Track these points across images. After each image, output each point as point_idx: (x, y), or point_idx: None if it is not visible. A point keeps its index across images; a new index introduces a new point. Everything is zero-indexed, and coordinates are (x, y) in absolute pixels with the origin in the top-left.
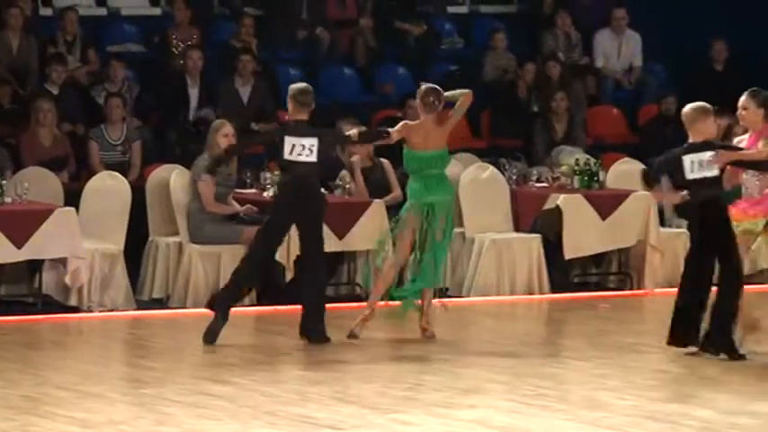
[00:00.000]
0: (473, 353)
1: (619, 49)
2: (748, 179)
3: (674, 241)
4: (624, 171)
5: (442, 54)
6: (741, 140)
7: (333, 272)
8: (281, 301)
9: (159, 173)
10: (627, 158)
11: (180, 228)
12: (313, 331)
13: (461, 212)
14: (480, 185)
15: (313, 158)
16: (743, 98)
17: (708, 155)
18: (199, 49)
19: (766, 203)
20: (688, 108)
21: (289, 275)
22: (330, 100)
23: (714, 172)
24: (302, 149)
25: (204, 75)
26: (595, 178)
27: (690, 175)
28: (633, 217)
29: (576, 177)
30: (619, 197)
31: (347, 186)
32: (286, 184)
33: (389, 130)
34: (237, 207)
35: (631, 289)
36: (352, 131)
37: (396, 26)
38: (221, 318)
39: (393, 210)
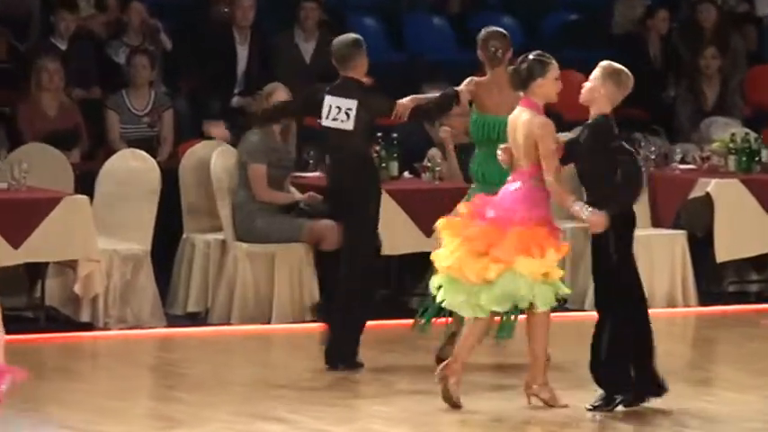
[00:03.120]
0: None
1: None
2: None
3: None
4: None
5: None
6: None
7: (420, 278)
8: None
9: (197, 151)
10: None
11: (223, 222)
12: (341, 357)
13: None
14: None
15: (349, 125)
16: None
17: None
18: None
19: None
20: None
21: None
22: (415, 57)
23: None
24: (338, 112)
25: (256, 26)
26: (757, 158)
27: None
28: None
29: (732, 157)
30: None
31: (437, 169)
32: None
33: (459, 89)
34: (297, 195)
35: None
36: (405, 100)
37: None
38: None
39: None
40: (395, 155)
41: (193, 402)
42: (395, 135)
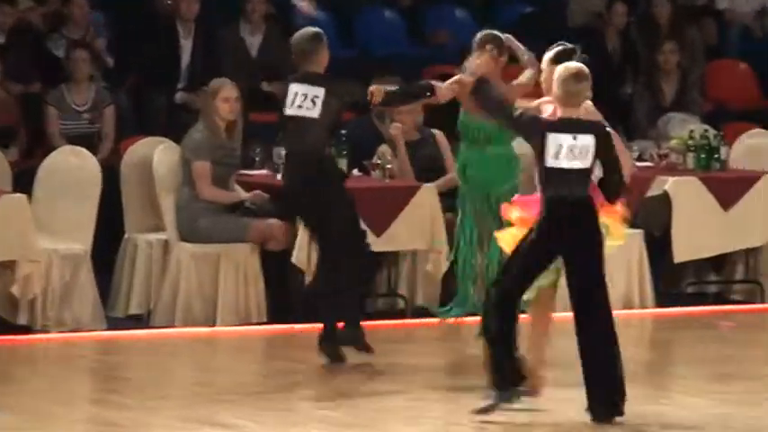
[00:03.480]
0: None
1: None
2: None
3: None
4: (754, 146)
5: None
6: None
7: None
8: (297, 318)
9: (138, 149)
10: (758, 130)
11: (166, 221)
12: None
13: None
14: None
15: (315, 113)
16: None
17: None
18: None
19: None
20: None
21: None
22: (366, 52)
23: None
24: (304, 99)
25: (201, 19)
26: (716, 156)
27: None
28: (766, 207)
29: (691, 155)
30: (746, 181)
31: (388, 166)
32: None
33: (436, 84)
34: (243, 193)
35: (763, 302)
36: (375, 87)
37: None
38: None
39: (448, 197)
40: (344, 152)
41: (135, 407)
42: (344, 132)
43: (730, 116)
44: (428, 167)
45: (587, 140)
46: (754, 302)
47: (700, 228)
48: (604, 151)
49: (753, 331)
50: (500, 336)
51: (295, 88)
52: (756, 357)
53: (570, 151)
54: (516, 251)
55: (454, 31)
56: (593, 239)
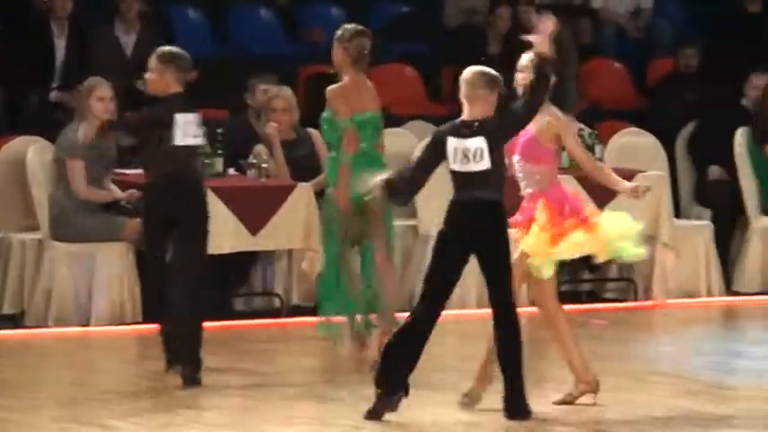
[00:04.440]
0: (421, 385)
1: None
2: None
3: (693, 237)
4: (628, 144)
5: None
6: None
7: (244, 278)
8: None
9: (12, 147)
10: (632, 128)
11: (40, 220)
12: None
13: (414, 201)
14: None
15: (199, 140)
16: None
17: None
18: None
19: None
20: None
21: None
22: (242, 50)
23: None
24: (194, 129)
25: (75, 18)
26: (591, 154)
27: None
28: (640, 205)
29: (565, 153)
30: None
31: (264, 166)
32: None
33: None
34: (118, 192)
35: (636, 299)
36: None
37: None
38: None
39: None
40: (219, 151)
41: (9, 407)
42: (219, 131)
43: (605, 115)
44: (304, 167)
45: (479, 143)
46: (627, 300)
47: None
48: (500, 135)
49: (626, 329)
50: (407, 341)
51: (183, 118)
52: (628, 355)
53: (464, 155)
54: (433, 258)
55: (329, 29)
56: (499, 243)
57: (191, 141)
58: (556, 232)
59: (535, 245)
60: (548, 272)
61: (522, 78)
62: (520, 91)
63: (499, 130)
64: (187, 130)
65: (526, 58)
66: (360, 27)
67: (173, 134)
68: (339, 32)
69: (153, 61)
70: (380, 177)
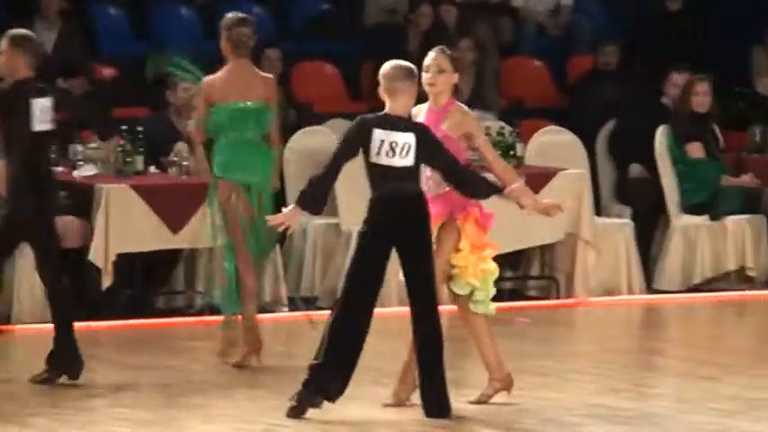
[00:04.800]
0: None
1: None
2: None
3: (614, 235)
4: (549, 142)
5: None
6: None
7: (166, 277)
8: (94, 316)
9: None
10: (553, 126)
11: None
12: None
13: (335, 199)
14: (359, 163)
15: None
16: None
17: None
18: None
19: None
20: None
21: (107, 281)
22: (162, 47)
23: None
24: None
25: None
26: (511, 152)
27: None
28: (561, 203)
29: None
30: (542, 177)
31: (184, 163)
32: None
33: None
34: None
35: (558, 297)
36: None
37: None
38: None
39: None
40: (140, 149)
41: None
42: (140, 128)
43: (526, 113)
44: None
45: (408, 138)
46: (549, 298)
47: (495, 225)
48: (429, 152)
49: (548, 327)
50: (340, 343)
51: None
52: (549, 353)
53: (391, 149)
54: (355, 257)
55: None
56: (423, 237)
57: (46, 127)
58: (479, 249)
59: (466, 266)
60: (492, 309)
61: (427, 78)
62: (427, 89)
63: (427, 146)
64: (42, 116)
65: (430, 58)
66: (242, 15)
67: (29, 120)
68: (222, 21)
69: (3, 43)
70: (291, 207)
